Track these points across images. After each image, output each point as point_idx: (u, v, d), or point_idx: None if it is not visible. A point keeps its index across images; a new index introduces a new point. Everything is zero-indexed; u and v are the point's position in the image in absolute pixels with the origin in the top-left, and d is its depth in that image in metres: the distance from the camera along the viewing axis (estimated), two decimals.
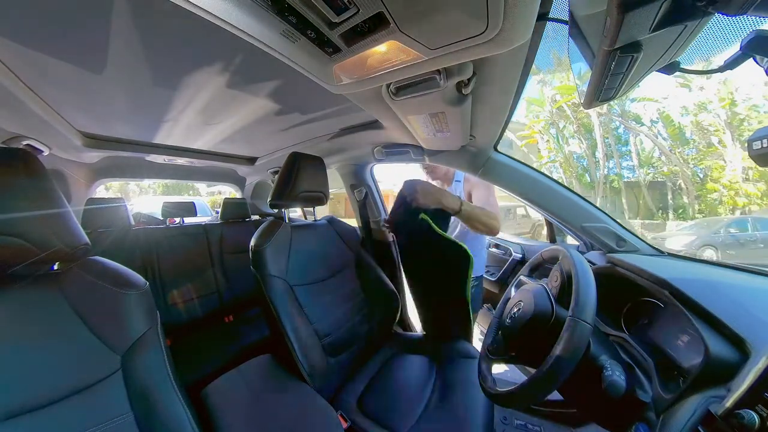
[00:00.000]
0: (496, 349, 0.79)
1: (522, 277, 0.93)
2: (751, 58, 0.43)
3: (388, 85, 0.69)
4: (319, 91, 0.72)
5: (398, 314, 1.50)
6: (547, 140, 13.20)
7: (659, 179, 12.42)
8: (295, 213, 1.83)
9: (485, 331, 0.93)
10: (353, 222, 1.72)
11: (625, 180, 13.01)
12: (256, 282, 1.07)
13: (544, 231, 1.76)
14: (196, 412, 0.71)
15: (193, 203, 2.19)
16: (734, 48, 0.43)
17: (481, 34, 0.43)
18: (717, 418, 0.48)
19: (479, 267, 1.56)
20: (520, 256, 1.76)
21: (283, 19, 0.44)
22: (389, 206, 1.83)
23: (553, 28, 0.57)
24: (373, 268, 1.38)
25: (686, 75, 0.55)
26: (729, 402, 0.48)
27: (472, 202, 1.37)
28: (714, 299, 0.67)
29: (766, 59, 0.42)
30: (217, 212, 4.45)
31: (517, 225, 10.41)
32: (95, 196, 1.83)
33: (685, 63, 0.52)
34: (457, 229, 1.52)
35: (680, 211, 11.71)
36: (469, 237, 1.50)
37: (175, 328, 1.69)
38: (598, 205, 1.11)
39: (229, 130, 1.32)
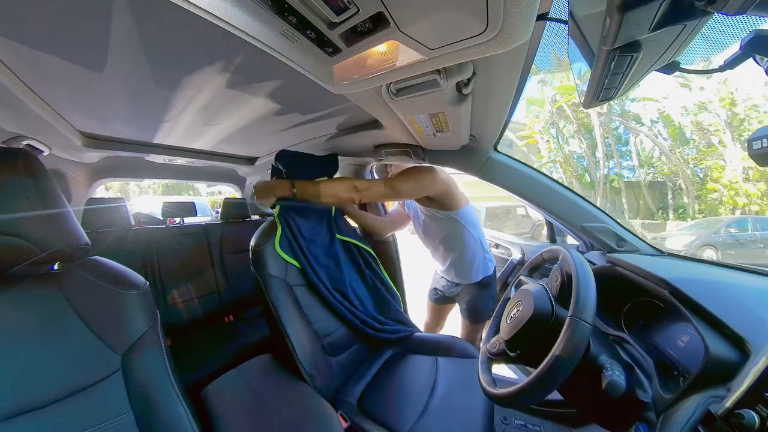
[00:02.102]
0: (496, 349, 0.79)
1: (522, 277, 0.93)
2: (751, 58, 0.43)
3: (388, 85, 0.69)
4: (319, 91, 0.72)
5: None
6: (547, 140, 13.21)
7: (659, 179, 12.42)
8: None
9: (486, 331, 0.93)
10: (353, 222, 1.71)
11: (625, 180, 13.03)
12: (256, 282, 1.07)
13: (544, 231, 1.77)
14: (196, 411, 0.71)
15: (193, 203, 2.19)
16: (734, 48, 0.43)
17: (481, 33, 0.43)
18: (717, 418, 0.48)
19: (478, 271, 1.48)
20: (520, 256, 1.76)
21: (283, 19, 0.44)
22: (389, 207, 1.83)
23: (553, 28, 0.57)
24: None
25: (686, 75, 0.55)
26: (729, 402, 0.48)
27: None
28: (714, 299, 0.67)
29: (766, 59, 0.42)
30: (217, 212, 4.45)
31: (516, 225, 10.42)
32: (95, 196, 1.83)
33: (685, 63, 0.52)
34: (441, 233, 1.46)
35: (680, 211, 11.72)
36: (459, 247, 1.45)
37: (175, 328, 1.69)
38: (598, 205, 1.11)
39: (229, 130, 1.32)
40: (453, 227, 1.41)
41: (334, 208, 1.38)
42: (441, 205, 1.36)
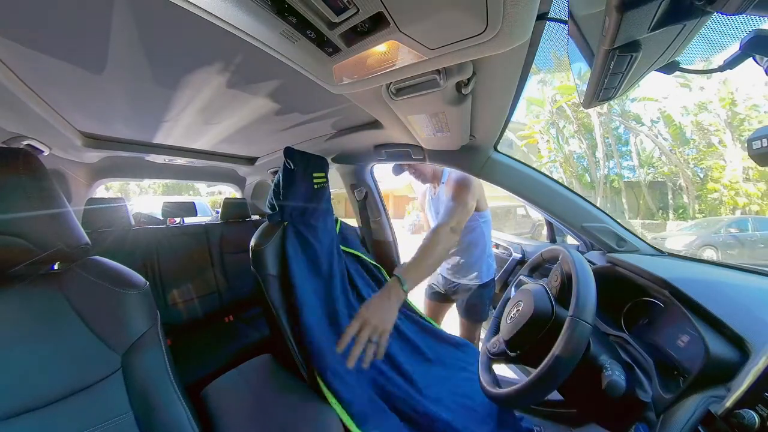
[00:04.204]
0: (496, 349, 0.79)
1: (522, 277, 0.93)
2: (751, 58, 0.43)
3: (388, 85, 0.69)
4: (319, 91, 0.72)
5: None
6: (547, 140, 13.21)
7: (659, 179, 12.42)
8: None
9: (486, 332, 0.93)
10: (353, 222, 1.71)
11: (626, 180, 13.04)
12: (256, 282, 1.07)
13: (544, 231, 1.76)
14: (196, 411, 0.71)
15: (193, 203, 2.20)
16: (734, 47, 0.43)
17: (480, 33, 0.43)
18: (717, 418, 0.48)
19: (485, 271, 1.50)
20: (520, 256, 1.76)
21: (283, 19, 0.44)
22: (390, 207, 1.83)
23: (552, 27, 0.57)
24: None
25: (686, 75, 0.55)
26: (729, 402, 0.48)
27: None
28: (714, 299, 0.67)
29: (765, 59, 0.42)
30: (217, 212, 4.46)
31: (517, 225, 10.42)
32: (95, 196, 1.83)
33: (684, 62, 0.52)
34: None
35: (680, 211, 11.72)
36: (475, 246, 1.46)
37: (175, 328, 1.69)
38: (598, 205, 1.11)
39: (229, 130, 1.32)
40: (477, 227, 1.45)
41: (338, 224, 1.34)
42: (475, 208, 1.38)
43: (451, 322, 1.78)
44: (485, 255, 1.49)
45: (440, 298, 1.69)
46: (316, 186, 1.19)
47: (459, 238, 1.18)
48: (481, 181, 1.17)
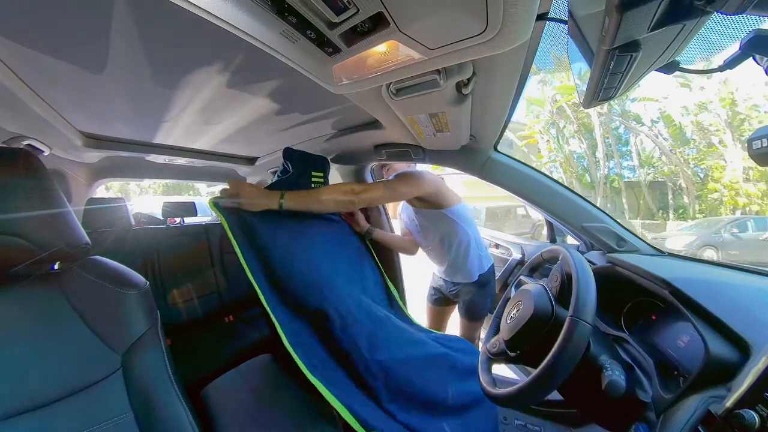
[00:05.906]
0: (496, 349, 0.79)
1: (522, 277, 0.93)
2: (751, 58, 0.43)
3: (388, 85, 0.69)
4: (319, 91, 0.72)
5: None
6: (548, 140, 13.21)
7: (660, 179, 12.41)
8: None
9: (485, 331, 0.93)
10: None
11: (626, 180, 13.03)
12: None
13: (544, 231, 1.77)
14: (196, 411, 0.71)
15: (193, 203, 2.20)
16: (734, 47, 0.43)
17: (480, 33, 0.43)
18: (717, 418, 0.48)
19: (474, 267, 1.49)
20: (520, 256, 1.76)
21: (283, 19, 0.44)
22: (389, 207, 1.83)
23: (552, 27, 0.57)
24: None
25: (687, 75, 0.55)
26: (729, 402, 0.48)
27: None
28: (714, 299, 0.67)
29: (765, 59, 0.42)
30: None
31: (517, 225, 10.41)
32: (95, 196, 1.83)
33: (684, 62, 0.52)
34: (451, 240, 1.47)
35: (681, 211, 11.71)
36: (455, 244, 1.46)
37: (175, 328, 1.69)
38: (598, 205, 1.11)
39: (229, 130, 1.32)
40: (448, 225, 1.43)
41: None
42: (433, 205, 1.39)
43: (452, 324, 1.78)
44: (476, 249, 1.47)
45: (442, 302, 1.69)
46: (313, 185, 1.19)
47: (356, 203, 1.15)
48: (479, 180, 1.17)
